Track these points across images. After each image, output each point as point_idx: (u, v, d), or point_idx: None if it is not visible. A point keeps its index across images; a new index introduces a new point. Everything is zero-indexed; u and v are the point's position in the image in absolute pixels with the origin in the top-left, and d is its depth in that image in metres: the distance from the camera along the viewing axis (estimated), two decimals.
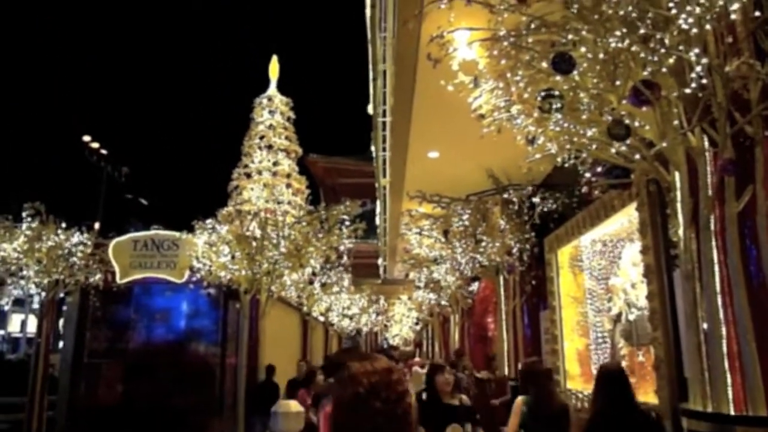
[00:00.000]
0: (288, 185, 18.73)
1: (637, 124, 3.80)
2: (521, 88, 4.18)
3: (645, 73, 3.53)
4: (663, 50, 3.42)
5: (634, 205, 5.61)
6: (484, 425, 5.01)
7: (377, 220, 19.03)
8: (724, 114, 3.45)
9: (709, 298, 3.56)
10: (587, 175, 4.68)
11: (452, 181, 9.03)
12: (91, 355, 10.97)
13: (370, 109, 14.14)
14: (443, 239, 10.47)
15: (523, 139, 4.55)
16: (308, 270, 11.34)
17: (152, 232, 11.21)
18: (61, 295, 10.77)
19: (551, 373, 5.09)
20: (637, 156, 3.95)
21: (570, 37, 3.77)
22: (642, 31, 3.46)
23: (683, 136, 3.66)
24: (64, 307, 11.76)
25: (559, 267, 8.19)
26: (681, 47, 3.40)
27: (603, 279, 7.44)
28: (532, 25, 4.00)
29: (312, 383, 8.10)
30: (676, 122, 3.67)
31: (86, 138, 23.87)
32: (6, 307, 11.28)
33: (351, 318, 21.57)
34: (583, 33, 3.69)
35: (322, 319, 18.68)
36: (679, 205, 3.82)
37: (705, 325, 3.59)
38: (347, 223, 10.29)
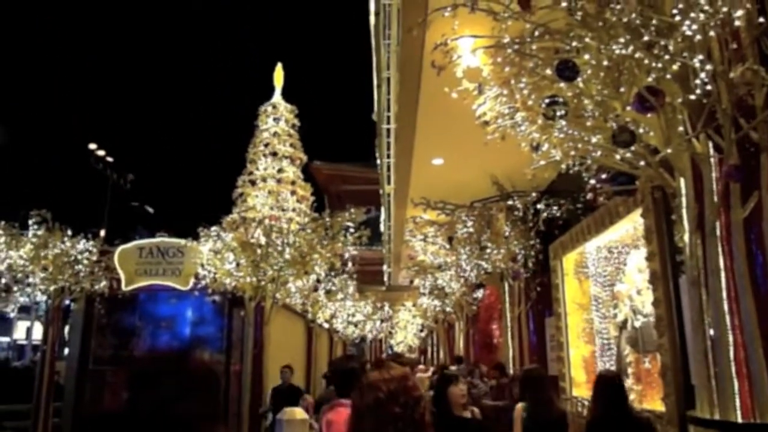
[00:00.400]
0: (293, 192, 18.78)
1: (641, 130, 3.80)
2: (525, 95, 4.19)
3: (649, 79, 3.53)
4: (667, 57, 3.42)
5: (639, 211, 5.60)
6: None
7: (382, 227, 19.04)
8: (729, 120, 3.44)
9: (715, 305, 3.54)
10: (592, 181, 4.68)
11: (456, 187, 9.03)
12: (96, 362, 11.00)
13: (374, 116, 14.18)
14: (448, 246, 10.46)
15: (528, 145, 4.55)
16: (313, 277, 11.34)
17: (157, 239, 11.25)
18: (67, 302, 10.82)
19: (551, 379, 5.02)
20: (642, 162, 3.94)
21: (574, 44, 3.78)
22: (646, 37, 3.46)
23: (688, 142, 3.66)
24: (70, 314, 11.80)
25: (564, 274, 8.17)
26: (685, 54, 3.40)
27: (608, 286, 7.41)
28: (536, 33, 4.01)
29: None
30: (680, 128, 3.67)
31: (92, 146, 24.03)
32: (12, 314, 11.33)
33: (356, 325, 21.53)
34: (587, 40, 3.70)
35: (326, 326, 18.65)
36: (684, 212, 3.81)
37: (711, 332, 3.57)
38: (352, 230, 10.29)
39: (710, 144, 3.65)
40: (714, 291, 3.56)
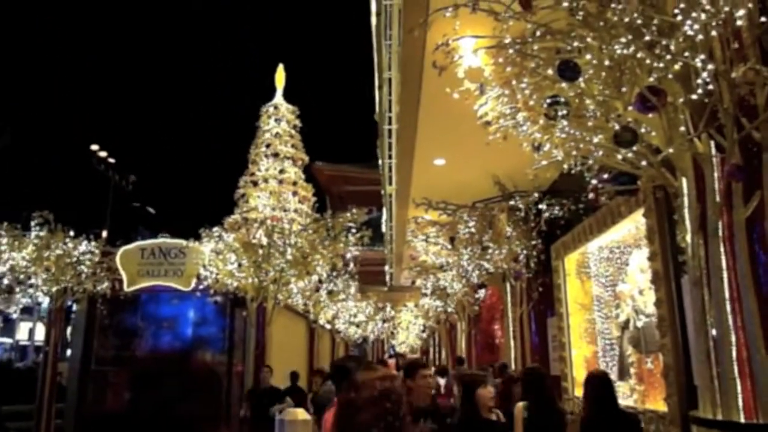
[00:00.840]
0: (294, 193, 18.79)
1: (643, 130, 3.79)
2: (527, 95, 4.19)
3: (651, 79, 3.53)
4: (669, 56, 3.41)
5: (641, 211, 5.59)
6: None
7: (383, 228, 19.03)
8: (731, 120, 3.44)
9: (717, 305, 3.53)
10: (594, 181, 4.68)
11: (458, 188, 9.02)
12: (98, 363, 11.03)
13: (376, 117, 14.18)
14: (449, 246, 10.46)
15: (529, 145, 4.55)
16: (315, 277, 11.35)
17: (159, 240, 11.27)
18: (69, 303, 10.84)
19: (552, 379, 5.02)
20: (644, 162, 3.93)
21: (575, 44, 3.78)
22: (647, 37, 3.46)
23: (690, 142, 3.65)
24: (72, 315, 11.83)
25: (566, 274, 8.16)
26: (687, 53, 3.39)
27: (610, 286, 7.40)
28: (538, 33, 4.01)
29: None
30: (682, 128, 3.66)
31: (94, 147, 24.06)
32: (14, 315, 11.38)
33: (358, 325, 21.54)
34: (589, 40, 3.70)
35: (328, 326, 18.66)
36: (686, 212, 3.81)
37: (714, 332, 3.56)
38: (353, 230, 10.30)
39: (712, 144, 3.65)
40: (716, 291, 3.55)
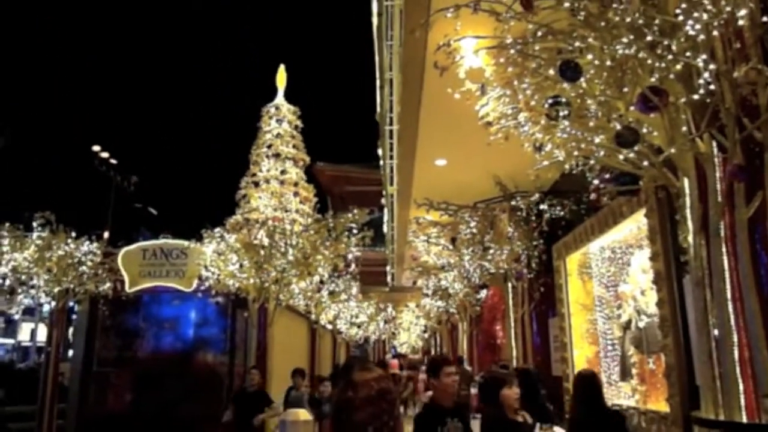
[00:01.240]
0: (296, 193, 18.77)
1: (645, 130, 3.79)
2: (528, 95, 4.19)
3: (652, 79, 3.52)
4: (670, 56, 3.41)
5: (642, 211, 5.58)
6: None
7: (385, 228, 19.04)
8: (733, 120, 3.44)
9: (719, 305, 3.53)
10: (595, 181, 4.68)
11: (460, 188, 9.02)
12: (100, 364, 11.04)
13: (377, 117, 14.18)
14: (451, 247, 10.46)
15: (531, 146, 4.55)
16: (316, 278, 11.34)
17: (161, 241, 11.28)
18: (71, 304, 10.85)
19: (554, 379, 5.04)
20: (646, 162, 3.93)
21: (577, 44, 3.78)
22: (649, 37, 3.46)
23: (692, 142, 3.65)
24: (74, 316, 11.84)
25: (567, 274, 8.15)
26: (688, 53, 3.39)
27: (612, 286, 7.39)
28: (539, 33, 4.01)
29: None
30: (684, 128, 3.66)
31: (96, 148, 24.09)
32: (16, 316, 11.41)
33: (359, 326, 21.54)
34: (590, 40, 3.70)
35: (330, 327, 18.66)
36: (688, 212, 3.80)
37: (716, 332, 3.56)
38: (355, 231, 10.29)
39: (714, 144, 3.64)
40: (718, 291, 3.55)
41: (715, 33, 3.36)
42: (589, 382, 4.12)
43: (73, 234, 10.11)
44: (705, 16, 3.26)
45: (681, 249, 4.24)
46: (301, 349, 15.81)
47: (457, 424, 3.44)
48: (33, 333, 35.69)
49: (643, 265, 6.23)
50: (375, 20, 12.22)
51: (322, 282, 13.21)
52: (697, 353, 3.95)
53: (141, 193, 29.13)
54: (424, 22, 4.54)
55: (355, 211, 10.47)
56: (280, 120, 19.60)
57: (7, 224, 9.72)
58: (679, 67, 3.44)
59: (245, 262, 9.76)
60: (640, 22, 3.46)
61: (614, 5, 3.54)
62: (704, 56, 3.33)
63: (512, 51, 4.10)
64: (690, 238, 3.78)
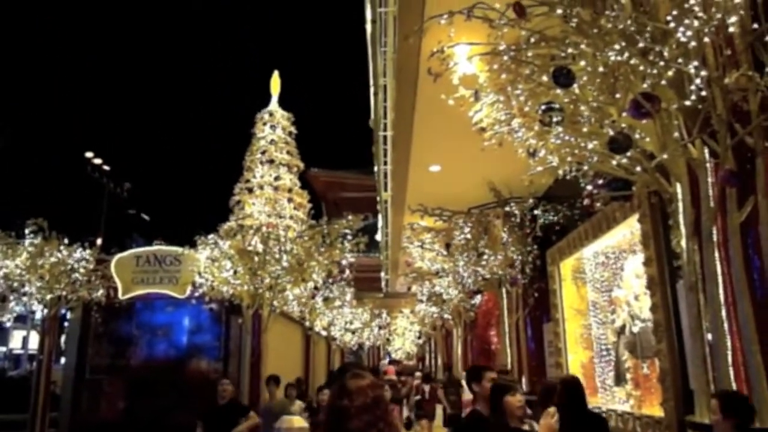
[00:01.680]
0: (290, 200, 18.73)
1: (637, 136, 3.82)
2: (522, 101, 4.21)
3: (644, 85, 3.55)
4: (662, 63, 3.44)
5: (636, 216, 5.61)
6: None
7: (379, 234, 19.03)
8: (725, 125, 3.47)
9: (713, 310, 3.55)
10: (589, 187, 4.70)
11: (454, 194, 9.04)
12: (93, 372, 10.95)
13: (371, 123, 14.21)
14: (445, 252, 10.46)
15: (525, 152, 4.57)
16: (310, 284, 11.31)
17: (154, 247, 11.23)
18: (63, 311, 10.77)
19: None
20: (639, 168, 3.96)
21: (570, 50, 3.80)
22: (641, 44, 3.49)
23: (684, 147, 3.68)
24: (66, 324, 11.75)
25: (561, 279, 8.18)
26: (680, 60, 3.42)
27: (606, 291, 7.42)
28: (532, 40, 4.03)
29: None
30: (676, 134, 3.69)
31: (88, 154, 24.00)
32: (8, 324, 11.30)
33: (353, 332, 21.49)
34: (583, 47, 3.72)
35: (324, 333, 18.60)
36: (681, 217, 3.83)
37: (710, 337, 3.58)
38: (349, 237, 10.28)
39: (706, 149, 3.67)
40: (711, 296, 3.57)
41: (706, 40, 3.39)
42: (573, 388, 4.22)
43: (66, 241, 10.05)
44: (696, 23, 3.29)
45: (674, 254, 4.26)
46: (296, 356, 15.75)
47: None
48: (25, 341, 35.41)
49: (637, 270, 6.25)
50: (369, 27, 12.27)
51: (316, 288, 13.17)
52: (691, 358, 3.97)
53: (134, 200, 29.03)
54: (418, 29, 4.56)
55: (350, 217, 10.46)
56: (274, 126, 19.57)
57: None
58: (670, 73, 3.47)
59: (239, 269, 9.72)
60: (632, 28, 3.49)
61: (606, 12, 3.57)
62: (695, 63, 3.36)
63: (506, 57, 4.12)
64: (683, 243, 3.80)
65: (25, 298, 9.77)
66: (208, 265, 10.00)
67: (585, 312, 7.86)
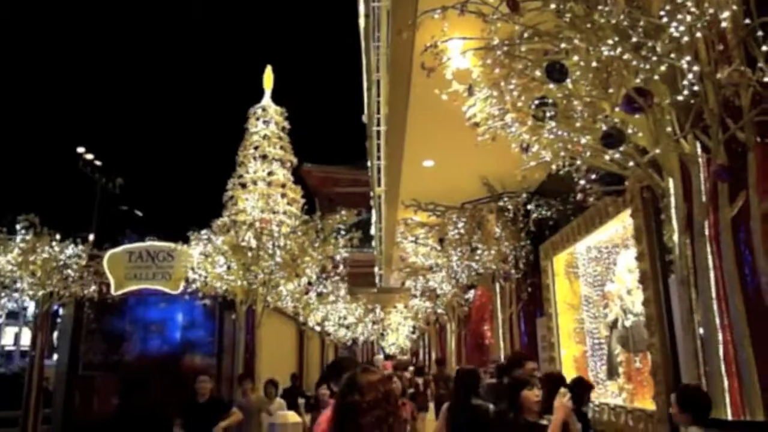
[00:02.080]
0: (283, 195, 18.67)
1: (630, 131, 3.82)
2: (515, 96, 4.21)
3: (637, 80, 3.56)
4: (655, 58, 3.45)
5: (628, 211, 5.63)
6: None
7: (373, 229, 19.02)
8: (717, 120, 3.48)
9: (704, 304, 3.57)
10: (581, 182, 4.71)
11: (447, 189, 9.03)
12: (85, 368, 10.92)
13: (364, 119, 14.17)
14: (439, 247, 10.47)
15: (518, 147, 4.57)
16: (304, 280, 11.32)
17: (147, 243, 11.19)
18: (56, 307, 10.73)
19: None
20: (631, 163, 3.97)
21: (563, 45, 3.80)
22: (634, 39, 3.49)
23: (676, 142, 3.69)
24: (59, 320, 11.70)
25: (554, 274, 8.20)
26: (673, 55, 3.43)
27: (599, 286, 7.45)
28: (525, 35, 4.03)
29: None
30: (669, 129, 3.70)
31: (80, 149, 23.83)
32: (0, 320, 11.23)
33: (347, 327, 21.52)
34: (576, 41, 3.72)
35: (318, 329, 18.62)
36: (673, 211, 3.84)
37: (701, 331, 3.60)
38: (343, 232, 10.29)
39: (698, 144, 3.68)
40: (703, 290, 3.59)
41: (699, 35, 3.40)
42: (464, 377, 4.76)
43: (58, 237, 10.00)
44: (689, 18, 3.30)
45: (666, 248, 4.29)
46: (290, 352, 15.76)
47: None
48: (17, 337, 35.24)
49: (629, 264, 6.28)
50: (362, 21, 12.22)
51: (310, 283, 13.18)
52: (683, 352, 3.99)
53: (126, 195, 28.87)
54: (411, 24, 4.55)
55: (343, 212, 10.46)
56: (267, 121, 19.50)
57: None
58: (663, 68, 3.48)
59: (233, 264, 9.71)
60: (625, 23, 3.49)
61: (599, 7, 3.57)
62: (688, 58, 3.37)
63: (499, 52, 4.11)
64: (675, 238, 3.82)
65: (16, 295, 9.73)
66: (202, 261, 9.98)
67: (578, 306, 7.90)
